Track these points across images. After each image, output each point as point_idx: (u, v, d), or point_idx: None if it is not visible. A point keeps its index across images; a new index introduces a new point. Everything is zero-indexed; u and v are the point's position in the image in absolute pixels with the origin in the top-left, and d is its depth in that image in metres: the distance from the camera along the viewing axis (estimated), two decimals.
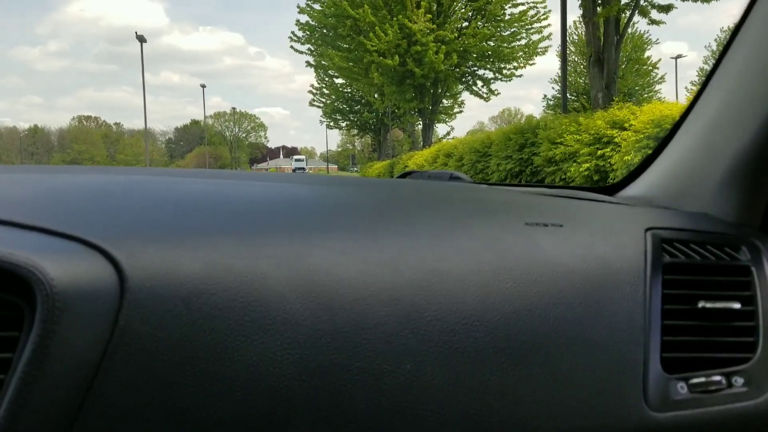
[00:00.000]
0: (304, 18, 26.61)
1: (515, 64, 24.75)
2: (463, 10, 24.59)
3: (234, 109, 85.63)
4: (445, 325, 0.61)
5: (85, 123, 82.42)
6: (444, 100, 28.39)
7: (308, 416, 0.55)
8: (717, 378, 0.70)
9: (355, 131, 44.49)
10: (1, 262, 0.51)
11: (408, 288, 0.62)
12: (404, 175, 1.35)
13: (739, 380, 0.71)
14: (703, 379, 0.70)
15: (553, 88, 41.59)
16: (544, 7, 23.74)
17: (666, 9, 12.20)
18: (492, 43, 24.21)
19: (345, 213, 0.71)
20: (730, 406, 0.70)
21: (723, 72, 0.91)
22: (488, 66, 25.13)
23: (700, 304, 0.73)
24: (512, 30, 24.34)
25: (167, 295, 0.54)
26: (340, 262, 0.61)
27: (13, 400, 0.49)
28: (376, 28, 22.46)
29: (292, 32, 28.05)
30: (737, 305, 0.74)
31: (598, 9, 11.96)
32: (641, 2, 12.02)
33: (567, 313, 0.66)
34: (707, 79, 0.95)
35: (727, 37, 0.93)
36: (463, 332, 0.61)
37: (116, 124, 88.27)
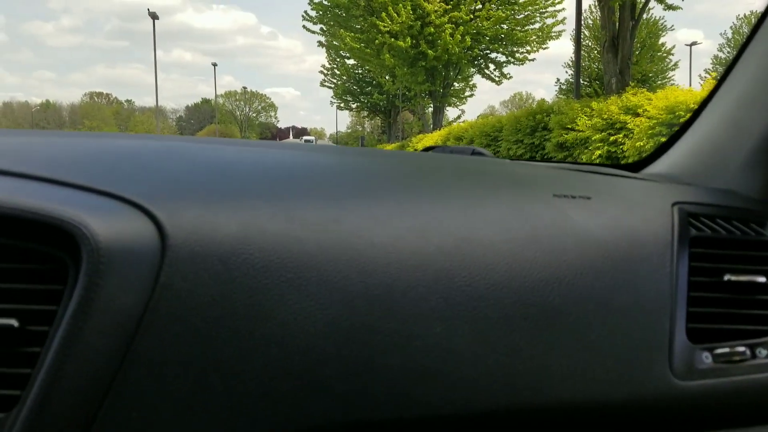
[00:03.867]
0: None
1: (528, 47, 24.56)
2: None
3: (245, 88, 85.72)
4: (474, 291, 0.62)
5: (96, 99, 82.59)
6: (455, 83, 28.24)
7: (340, 374, 0.57)
8: (741, 349, 0.71)
9: (365, 113, 44.39)
10: (48, 218, 0.53)
11: (438, 254, 0.63)
12: (426, 150, 1.36)
13: (762, 351, 0.72)
14: (727, 350, 0.71)
15: (566, 72, 41.30)
16: None
17: None
18: (505, 26, 24.01)
19: (375, 181, 0.72)
20: (754, 376, 0.71)
21: (752, 50, 0.91)
22: (501, 49, 24.94)
23: (726, 277, 0.74)
24: (526, 13, 24.13)
25: (206, 254, 0.56)
26: (371, 227, 0.63)
27: (59, 350, 0.50)
28: (389, 8, 22.29)
29: (305, 11, 27.89)
30: (762, 279, 0.74)
31: None
32: None
33: (595, 282, 0.67)
34: (736, 57, 0.95)
35: (746, 24, 0.93)
36: (492, 298, 0.62)
37: (127, 101, 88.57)
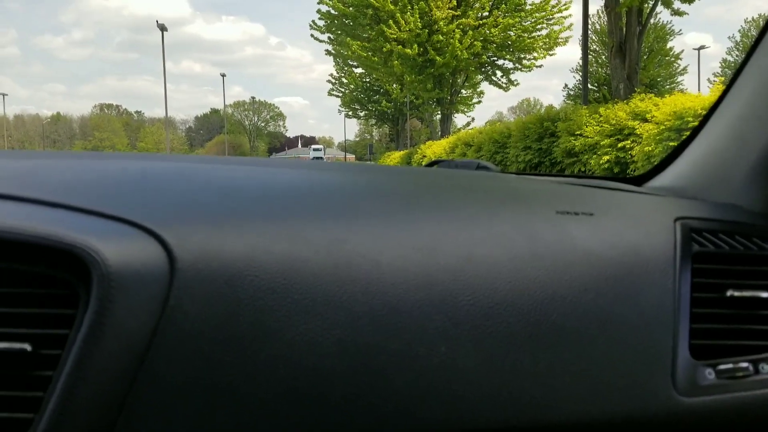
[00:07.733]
0: (324, 7, 26.57)
1: (535, 54, 24.57)
2: None
3: (253, 98, 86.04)
4: (478, 309, 0.63)
5: (106, 111, 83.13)
6: (463, 90, 28.29)
7: (346, 395, 0.58)
8: (744, 365, 0.72)
9: (373, 121, 44.56)
10: (60, 243, 0.54)
11: (442, 273, 0.63)
12: (431, 165, 1.37)
13: (766, 367, 0.72)
14: (730, 366, 0.71)
15: (574, 77, 41.24)
16: None
17: None
18: (513, 33, 24.04)
19: (380, 199, 0.73)
20: (757, 392, 0.71)
21: (754, 63, 0.91)
22: (508, 56, 24.97)
23: (729, 293, 0.74)
24: (533, 20, 24.15)
25: (213, 277, 0.57)
26: (376, 246, 0.63)
27: (71, 373, 0.51)
28: (397, 15, 22.38)
29: (313, 21, 28.01)
30: (765, 294, 0.74)
31: None
32: None
33: (598, 299, 0.67)
34: (738, 70, 0.95)
35: (754, 27, 0.93)
36: (496, 317, 0.63)
37: (137, 112, 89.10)
